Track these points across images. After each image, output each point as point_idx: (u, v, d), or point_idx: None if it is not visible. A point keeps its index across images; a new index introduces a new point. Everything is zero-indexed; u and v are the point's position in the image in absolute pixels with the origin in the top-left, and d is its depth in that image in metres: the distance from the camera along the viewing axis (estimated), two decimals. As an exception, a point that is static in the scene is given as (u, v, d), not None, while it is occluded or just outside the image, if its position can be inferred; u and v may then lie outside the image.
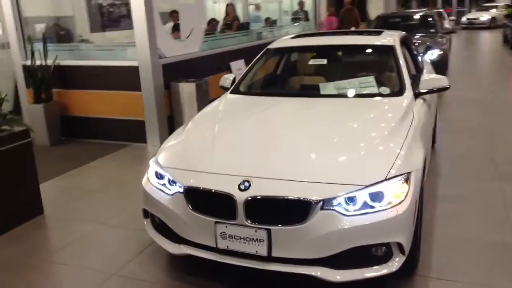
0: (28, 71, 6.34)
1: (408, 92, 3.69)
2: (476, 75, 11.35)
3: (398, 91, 3.70)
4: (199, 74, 6.70)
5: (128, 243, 3.57)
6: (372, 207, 2.62)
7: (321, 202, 2.57)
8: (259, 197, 2.62)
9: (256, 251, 2.66)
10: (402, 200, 2.65)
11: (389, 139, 2.98)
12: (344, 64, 4.45)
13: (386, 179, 2.65)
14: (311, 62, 4.27)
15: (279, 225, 2.61)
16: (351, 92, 3.79)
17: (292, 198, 2.59)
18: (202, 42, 7.24)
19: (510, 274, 3.02)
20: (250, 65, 4.42)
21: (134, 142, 6.28)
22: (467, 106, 7.83)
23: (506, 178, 4.59)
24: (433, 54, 8.78)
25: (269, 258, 2.67)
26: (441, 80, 3.80)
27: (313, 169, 2.73)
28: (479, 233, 3.55)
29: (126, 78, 6.18)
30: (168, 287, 3.03)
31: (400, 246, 2.65)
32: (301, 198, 2.58)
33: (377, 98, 3.66)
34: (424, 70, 4.91)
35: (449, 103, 8.13)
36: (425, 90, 3.77)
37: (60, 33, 8.66)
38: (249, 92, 4.10)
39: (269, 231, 2.62)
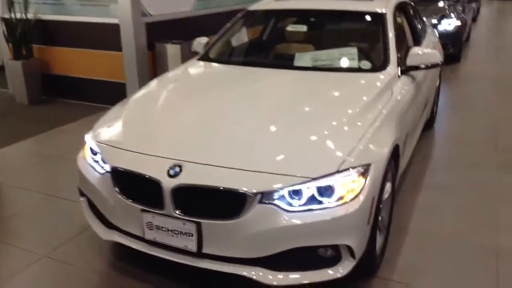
0: (6, 24, 5.97)
1: (392, 67, 3.22)
2: (498, 51, 10.57)
3: (380, 66, 3.23)
4: (191, 36, 6.24)
5: (72, 220, 3.27)
6: (320, 202, 2.24)
7: (260, 195, 2.20)
8: (188, 185, 2.26)
9: (185, 246, 2.32)
10: (355, 197, 2.26)
11: (352, 123, 2.56)
12: (328, 32, 3.96)
13: (337, 171, 2.25)
14: (289, 28, 3.79)
15: (211, 219, 2.26)
16: (327, 65, 3.33)
17: (226, 188, 2.22)
18: (196, 1, 6.75)
19: (487, 284, 2.63)
20: (226, 28, 3.97)
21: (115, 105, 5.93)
22: (479, 84, 7.23)
23: (507, 167, 4.12)
24: (450, 24, 8.11)
25: (200, 254, 2.33)
26: (432, 55, 3.31)
27: (255, 155, 2.33)
28: (460, 231, 3.15)
29: (106, 36, 5.79)
30: (96, 275, 2.73)
31: (350, 249, 2.28)
32: (236, 190, 2.20)
33: (354, 73, 3.20)
34: (424, 43, 4.38)
35: (460, 79, 7.56)
36: (413, 66, 3.30)
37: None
38: (218, 59, 3.66)
39: (199, 224, 2.27)
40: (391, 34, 3.41)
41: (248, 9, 4.06)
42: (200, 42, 3.98)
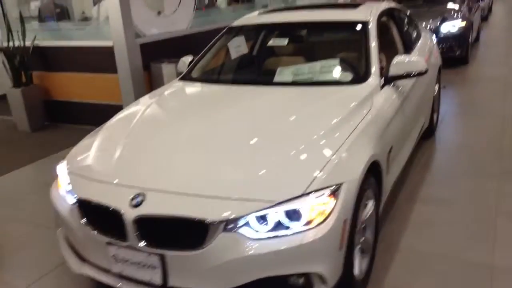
0: (4, 53, 6.05)
1: (373, 78, 3.10)
2: (510, 51, 10.29)
3: (361, 78, 3.12)
4: (187, 54, 6.22)
5: (55, 251, 3.21)
6: (288, 228, 2.14)
7: (224, 223, 2.10)
8: (149, 215, 2.18)
9: (151, 279, 2.24)
10: (324, 220, 2.14)
11: (323, 140, 2.44)
12: (310, 44, 3.86)
13: (304, 194, 2.14)
14: (270, 43, 3.70)
15: (175, 250, 2.17)
16: (308, 79, 3.23)
17: (186, 217, 2.13)
18: (192, 18, 6.73)
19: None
20: (208, 46, 3.92)
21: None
22: (488, 87, 6.98)
23: (510, 176, 3.93)
24: (454, 26, 7.90)
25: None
26: (416, 64, 3.18)
27: (220, 181, 2.24)
28: (454, 248, 2.99)
29: (102, 59, 5.80)
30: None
31: (322, 277, 2.16)
32: (197, 218, 2.12)
33: (334, 87, 3.09)
34: (417, 49, 4.24)
35: (467, 82, 7.34)
36: (396, 76, 3.17)
37: (56, 10, 8.33)
38: (199, 78, 3.59)
39: (163, 256, 2.18)
40: (373, 43, 3.30)
41: (231, 25, 4.01)
42: (184, 62, 3.94)
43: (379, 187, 2.84)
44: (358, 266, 2.49)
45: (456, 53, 7.92)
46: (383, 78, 3.16)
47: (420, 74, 3.17)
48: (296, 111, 2.78)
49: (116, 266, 2.32)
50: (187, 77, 3.64)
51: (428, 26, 7.63)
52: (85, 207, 2.41)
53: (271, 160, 2.32)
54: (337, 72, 3.19)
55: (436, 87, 4.93)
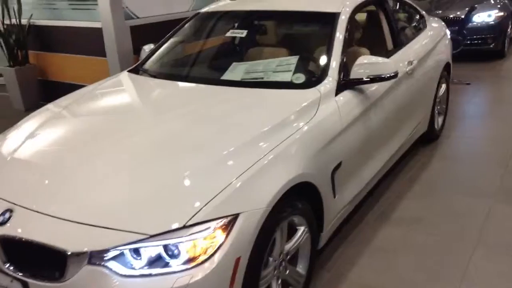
0: (-1, 32, 5.93)
1: (327, 82, 2.64)
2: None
3: (315, 81, 2.67)
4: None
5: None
6: (168, 265, 1.79)
7: (88, 254, 1.78)
8: (10, 236, 1.89)
9: (13, 307, 1.96)
10: (209, 258, 1.78)
11: (230, 159, 2.05)
12: (274, 37, 3.40)
13: (185, 227, 1.78)
14: (228, 34, 3.28)
15: (38, 279, 1.87)
16: (257, 79, 2.81)
17: (47, 245, 1.82)
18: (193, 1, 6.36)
19: None
20: (169, 34, 3.55)
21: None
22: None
23: (507, 195, 3.38)
24: (490, 15, 7.09)
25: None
26: (382, 66, 2.69)
27: (95, 206, 1.91)
28: (415, 284, 2.53)
29: (92, 41, 5.55)
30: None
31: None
32: (55, 246, 1.80)
33: (280, 90, 2.66)
34: (411, 45, 3.69)
35: (499, 79, 6.57)
36: (357, 79, 2.70)
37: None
38: (149, 71, 3.19)
39: (26, 284, 1.89)
40: (337, 40, 2.82)
41: (200, 11, 3.61)
42: (145, 50, 3.59)
43: (320, 211, 2.42)
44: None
45: (490, 46, 7.13)
46: (343, 82, 2.70)
47: (385, 78, 2.68)
48: (220, 120, 2.38)
49: (-14, 288, 2.05)
50: (135, 69, 3.28)
51: (456, 15, 6.89)
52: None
53: (160, 183, 1.95)
54: (290, 73, 2.75)
55: (443, 86, 4.35)
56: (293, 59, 2.87)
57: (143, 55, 3.57)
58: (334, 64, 2.72)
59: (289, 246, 2.24)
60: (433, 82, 4.00)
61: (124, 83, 3.13)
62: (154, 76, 3.12)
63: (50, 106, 2.98)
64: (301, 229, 2.29)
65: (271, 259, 2.13)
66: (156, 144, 2.21)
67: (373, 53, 3.34)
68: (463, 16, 6.78)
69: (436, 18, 4.75)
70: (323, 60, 2.78)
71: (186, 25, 3.53)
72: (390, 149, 3.25)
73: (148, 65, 3.31)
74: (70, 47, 5.87)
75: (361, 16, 3.74)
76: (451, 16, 6.90)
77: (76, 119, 2.72)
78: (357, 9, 3.18)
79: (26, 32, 5.98)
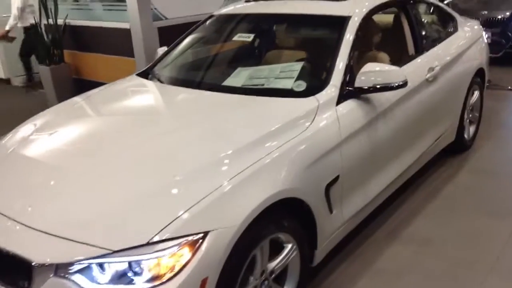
0: (35, 32, 6.10)
1: (329, 91, 2.49)
2: None
3: (315, 89, 2.52)
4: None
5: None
6: (132, 282, 1.72)
7: (54, 267, 1.74)
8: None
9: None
10: (173, 277, 1.70)
11: (206, 173, 1.95)
12: (284, 41, 3.26)
13: (149, 243, 1.70)
14: (235, 38, 3.17)
15: (8, 286, 1.86)
16: (258, 85, 2.69)
17: (14, 253, 1.80)
18: (225, 1, 6.29)
19: None
20: (181, 37, 3.50)
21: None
22: None
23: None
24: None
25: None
26: (389, 74, 2.51)
27: (65, 216, 1.88)
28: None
29: (121, 42, 5.61)
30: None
31: None
32: (22, 256, 1.78)
33: (279, 98, 2.52)
34: (435, 50, 3.44)
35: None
36: (362, 88, 2.53)
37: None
38: (157, 76, 3.12)
39: (-4, 291, 1.89)
40: (345, 46, 2.66)
41: (213, 13, 3.54)
42: (158, 54, 3.56)
43: (313, 229, 2.29)
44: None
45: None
46: (347, 90, 2.54)
47: (392, 88, 2.50)
48: (203, 130, 2.28)
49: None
50: (144, 73, 3.25)
51: (501, 16, 6.44)
52: None
53: (132, 195, 1.89)
54: (292, 80, 2.61)
55: (476, 93, 4.07)
56: (297, 65, 2.74)
57: (156, 57, 3.54)
58: (337, 71, 2.56)
59: (274, 264, 2.12)
60: (462, 89, 3.73)
61: (124, 88, 3.11)
62: (160, 81, 3.07)
63: (48, 111, 2.98)
64: (289, 247, 2.16)
65: (251, 278, 2.03)
66: (133, 155, 2.14)
67: (392, 58, 3.18)
68: (506, 18, 6.34)
69: (473, 20, 4.45)
70: (326, 66, 2.63)
71: (199, 28, 3.47)
72: (405, 161, 3.04)
73: (157, 68, 3.28)
74: (101, 47, 5.97)
75: (382, 19, 3.56)
76: (497, 16, 6.47)
77: (63, 127, 2.64)
78: (372, 12, 3.00)
79: (62, 31, 6.15)
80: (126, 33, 5.47)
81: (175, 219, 1.75)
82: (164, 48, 3.59)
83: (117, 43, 5.71)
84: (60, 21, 6.13)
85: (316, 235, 2.32)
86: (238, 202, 1.88)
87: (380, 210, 3.07)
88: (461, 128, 3.86)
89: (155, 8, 5.46)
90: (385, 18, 3.63)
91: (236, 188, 1.90)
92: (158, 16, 5.52)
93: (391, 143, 2.81)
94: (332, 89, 2.50)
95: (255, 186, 1.95)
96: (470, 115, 4.05)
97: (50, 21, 6.08)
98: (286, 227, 2.11)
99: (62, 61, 6.25)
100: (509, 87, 5.69)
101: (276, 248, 2.13)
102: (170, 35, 5.50)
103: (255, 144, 2.11)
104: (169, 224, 1.74)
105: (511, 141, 4.37)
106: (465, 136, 3.99)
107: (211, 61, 3.25)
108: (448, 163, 3.87)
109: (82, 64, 6.32)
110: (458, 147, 3.96)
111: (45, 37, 6.09)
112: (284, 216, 2.12)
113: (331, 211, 2.38)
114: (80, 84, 6.37)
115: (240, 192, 1.90)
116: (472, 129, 4.14)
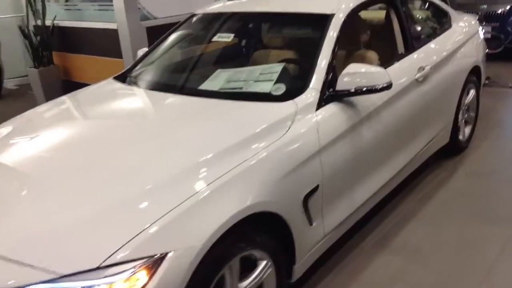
0: (23, 33, 5.97)
1: (309, 93, 2.34)
2: None
3: (295, 93, 2.36)
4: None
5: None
6: (85, 308, 1.59)
7: (2, 290, 1.62)
8: None
9: None
10: (127, 305, 1.56)
11: (163, 189, 1.80)
12: (265, 41, 3.11)
13: (99, 267, 1.56)
14: (214, 39, 3.02)
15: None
16: (236, 89, 2.55)
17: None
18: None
19: None
20: (161, 38, 3.36)
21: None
22: None
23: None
24: None
25: None
26: (373, 76, 2.36)
27: (13, 232, 1.74)
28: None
29: (109, 42, 5.48)
30: None
31: None
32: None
33: (255, 103, 2.37)
34: (427, 47, 3.29)
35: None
36: (343, 91, 2.38)
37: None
38: (134, 79, 2.98)
39: None
40: (326, 46, 2.51)
41: (194, 12, 3.39)
42: (139, 55, 3.42)
43: (291, 243, 2.15)
44: None
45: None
46: (329, 94, 2.39)
47: (376, 90, 2.35)
48: (167, 140, 2.12)
49: None
50: (122, 76, 3.11)
51: (500, 10, 6.25)
52: None
53: (88, 212, 1.75)
54: (271, 82, 2.47)
55: (471, 92, 3.90)
56: (278, 67, 2.59)
57: (136, 59, 3.41)
58: (318, 73, 2.41)
59: (247, 283, 1.98)
60: (456, 88, 3.57)
61: (97, 94, 2.98)
62: (136, 85, 2.92)
63: (16, 118, 2.83)
64: (262, 264, 2.02)
65: (221, 299, 1.89)
66: (95, 168, 2.00)
67: (381, 57, 3.03)
68: (505, 12, 6.14)
69: (468, 15, 4.28)
70: (307, 68, 2.48)
71: (180, 28, 3.33)
72: (393, 167, 2.89)
73: (135, 71, 3.14)
74: (90, 48, 5.85)
75: (375, 16, 3.41)
76: (496, 11, 6.27)
77: (23, 137, 2.49)
78: (357, 9, 2.85)
79: (51, 33, 6.02)
80: (114, 33, 5.34)
81: (131, 239, 1.61)
82: (145, 49, 3.46)
83: (105, 44, 5.58)
84: (48, 22, 6.02)
85: (294, 249, 2.17)
86: (203, 219, 1.73)
87: (368, 217, 2.93)
88: (455, 129, 3.69)
89: (143, 8, 5.33)
90: (378, 15, 3.48)
91: (201, 203, 1.76)
92: (147, 15, 5.38)
93: (377, 148, 2.65)
94: (312, 93, 2.35)
95: (223, 200, 1.81)
96: (466, 115, 3.89)
97: (39, 22, 5.97)
98: (259, 243, 1.97)
99: (51, 63, 6.14)
100: (510, 85, 5.50)
101: (249, 265, 1.99)
102: (159, 35, 5.35)
103: (225, 154, 1.96)
104: (122, 247, 1.59)
105: (509, 142, 4.20)
106: (460, 137, 3.82)
107: (190, 64, 3.10)
108: (442, 166, 3.71)
109: (71, 65, 6.21)
110: (452, 149, 3.80)
111: (34, 39, 5.97)
112: (257, 231, 1.98)
113: (310, 223, 2.24)
114: (70, 86, 6.23)
115: (206, 207, 1.76)
116: (467, 129, 3.98)
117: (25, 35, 5.92)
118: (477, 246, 2.77)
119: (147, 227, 1.64)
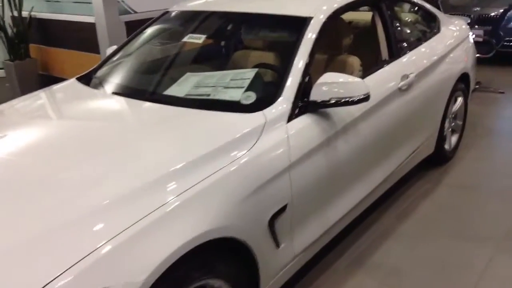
0: (-2, 24, 5.73)
1: (280, 104, 2.16)
2: None
3: (266, 101, 2.19)
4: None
5: None
6: None
7: None
8: None
9: None
10: None
11: (102, 215, 1.59)
12: (242, 44, 2.92)
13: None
14: (185, 39, 2.83)
15: None
16: (203, 96, 2.36)
17: None
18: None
19: None
20: (130, 36, 3.15)
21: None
22: None
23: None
24: None
25: None
26: (349, 86, 2.18)
27: None
28: None
29: (86, 36, 5.26)
30: None
31: None
32: None
33: (221, 113, 2.19)
34: (413, 53, 3.12)
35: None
36: (319, 102, 2.20)
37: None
38: (97, 81, 2.78)
39: None
40: (301, 51, 2.32)
41: (168, 9, 3.19)
42: (107, 54, 3.21)
43: (255, 268, 1.97)
44: None
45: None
46: (302, 104, 2.21)
47: (353, 102, 2.17)
48: (127, 154, 1.93)
49: None
50: (87, 77, 2.91)
51: (492, 14, 6.08)
52: None
53: (25, 236, 1.55)
54: (241, 90, 2.28)
55: (459, 100, 3.74)
56: (250, 73, 2.40)
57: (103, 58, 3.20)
58: (290, 82, 2.23)
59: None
60: (443, 96, 3.40)
61: (54, 98, 2.78)
62: (98, 88, 2.72)
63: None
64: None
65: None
66: (32, 184, 1.80)
67: (364, 63, 2.86)
68: (498, 15, 5.97)
69: (459, 18, 4.12)
70: (280, 75, 2.30)
71: (152, 26, 3.12)
72: (372, 181, 2.72)
73: (101, 72, 2.93)
74: (67, 42, 5.63)
75: (357, 18, 3.23)
76: (490, 14, 6.10)
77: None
78: (339, 12, 2.66)
79: (27, 25, 5.79)
80: (92, 27, 5.12)
81: (58, 276, 1.41)
82: (114, 47, 3.25)
83: (83, 38, 5.36)
84: (25, 14, 5.78)
85: (258, 275, 2.00)
86: (148, 249, 1.54)
87: (344, 234, 2.76)
88: (441, 139, 3.53)
89: (122, 1, 5.11)
90: (366, 16, 3.31)
91: (148, 230, 1.57)
92: (126, 9, 5.17)
93: (353, 163, 2.48)
94: (283, 104, 2.17)
95: (173, 226, 1.63)
96: (453, 124, 3.74)
97: (15, 13, 5.73)
98: (217, 271, 1.80)
99: (27, 56, 5.89)
100: (500, 90, 5.35)
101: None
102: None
103: (182, 172, 1.77)
104: (49, 283, 1.40)
105: (496, 151, 4.05)
106: (446, 147, 3.67)
107: (159, 65, 2.88)
108: (426, 177, 3.55)
109: (49, 59, 5.98)
110: (437, 159, 3.65)
111: (9, 31, 5.73)
112: (214, 258, 1.80)
113: (277, 245, 2.06)
114: (47, 81, 6.01)
115: (153, 235, 1.57)
116: (454, 138, 3.83)
117: (0, 26, 5.67)
118: (458, 265, 2.61)
119: (84, 257, 1.44)
